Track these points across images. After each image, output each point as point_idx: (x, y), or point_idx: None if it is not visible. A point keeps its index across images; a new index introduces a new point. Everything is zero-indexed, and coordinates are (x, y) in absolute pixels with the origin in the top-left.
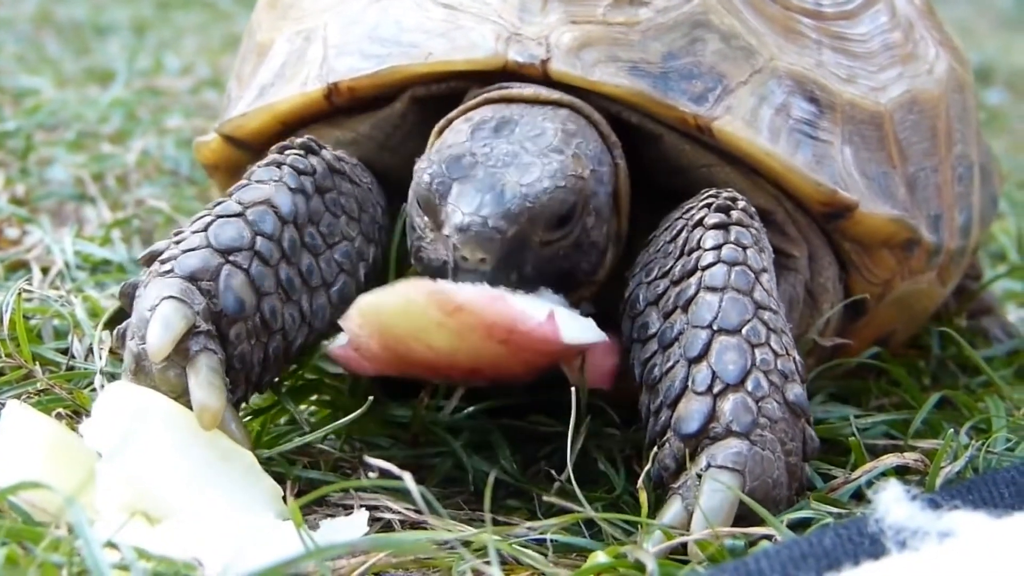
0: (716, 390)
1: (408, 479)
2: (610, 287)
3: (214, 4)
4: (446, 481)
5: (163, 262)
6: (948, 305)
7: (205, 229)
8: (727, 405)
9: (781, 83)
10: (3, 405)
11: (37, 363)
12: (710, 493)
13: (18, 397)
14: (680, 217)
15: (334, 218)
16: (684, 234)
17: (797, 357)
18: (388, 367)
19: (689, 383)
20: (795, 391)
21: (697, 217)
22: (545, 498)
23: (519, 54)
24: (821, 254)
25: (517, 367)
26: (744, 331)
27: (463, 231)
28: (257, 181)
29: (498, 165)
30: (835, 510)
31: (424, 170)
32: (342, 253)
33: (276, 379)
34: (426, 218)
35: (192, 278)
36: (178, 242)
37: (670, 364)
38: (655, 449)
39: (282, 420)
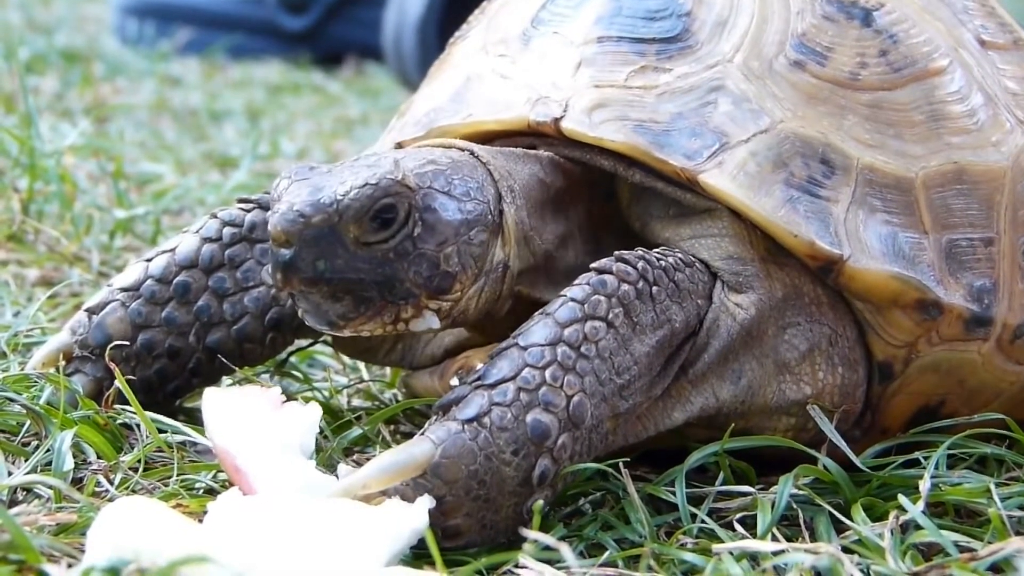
0: (475, 384)
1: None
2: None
3: (324, 89)
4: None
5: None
6: None
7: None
8: (471, 396)
9: (785, 143)
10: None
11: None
12: (396, 450)
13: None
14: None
15: (258, 265)
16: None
17: (583, 404)
18: None
19: (472, 376)
20: (537, 417)
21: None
22: None
23: (538, 115)
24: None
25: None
26: (531, 350)
27: (274, 214)
28: (184, 231)
29: (334, 172)
30: None
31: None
32: (252, 298)
33: (189, 387)
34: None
35: (90, 311)
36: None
37: None
38: None
39: None
